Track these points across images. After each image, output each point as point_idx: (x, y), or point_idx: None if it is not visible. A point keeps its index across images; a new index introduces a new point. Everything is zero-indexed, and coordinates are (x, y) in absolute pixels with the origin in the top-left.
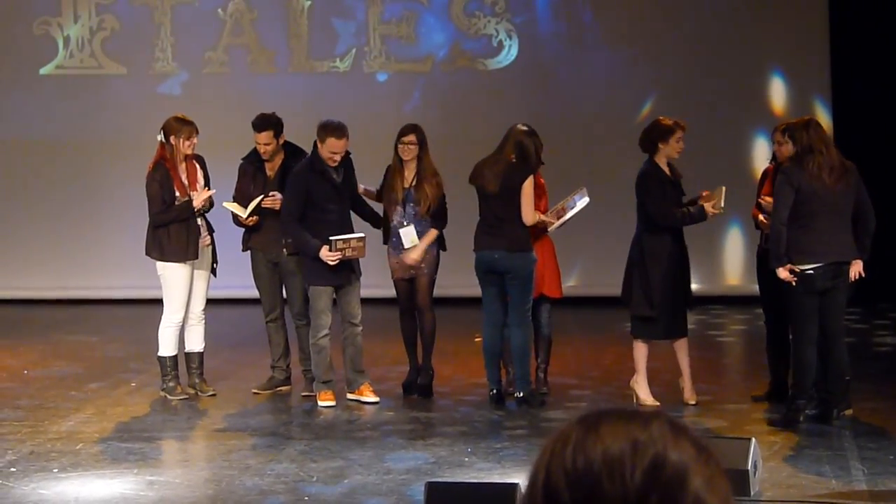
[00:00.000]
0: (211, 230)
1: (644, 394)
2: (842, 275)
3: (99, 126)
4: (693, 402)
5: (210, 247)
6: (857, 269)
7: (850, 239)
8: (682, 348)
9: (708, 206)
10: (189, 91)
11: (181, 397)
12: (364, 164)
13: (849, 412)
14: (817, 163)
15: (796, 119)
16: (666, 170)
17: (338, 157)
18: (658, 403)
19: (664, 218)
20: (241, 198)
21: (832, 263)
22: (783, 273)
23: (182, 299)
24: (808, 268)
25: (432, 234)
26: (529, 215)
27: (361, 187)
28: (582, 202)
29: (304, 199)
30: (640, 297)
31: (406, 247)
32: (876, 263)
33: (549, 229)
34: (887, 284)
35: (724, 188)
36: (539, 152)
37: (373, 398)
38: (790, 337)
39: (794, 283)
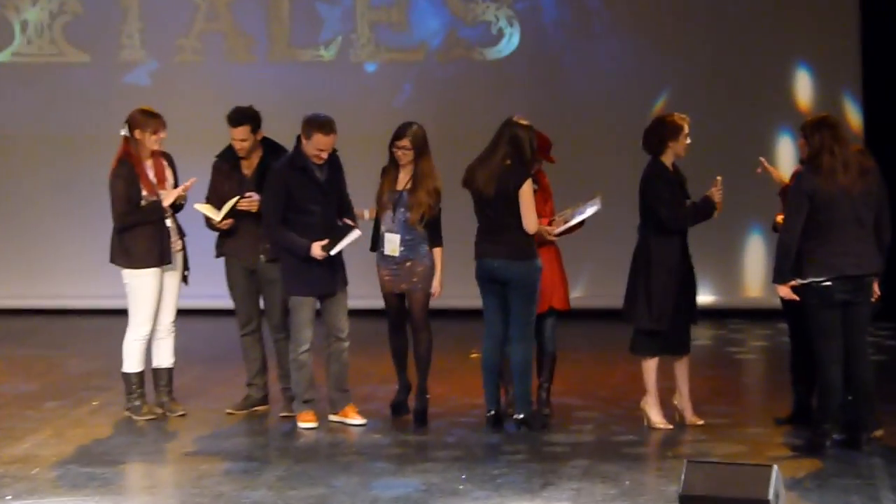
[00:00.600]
0: (182, 234)
1: (655, 416)
2: (863, 288)
3: (60, 119)
4: (700, 423)
5: (181, 252)
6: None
7: (872, 249)
8: (683, 366)
9: (712, 192)
10: (159, 81)
11: (148, 417)
12: (351, 162)
13: (879, 433)
14: (830, 165)
15: (811, 117)
16: (671, 170)
17: (324, 155)
18: (671, 426)
19: (677, 221)
20: (215, 199)
21: (850, 276)
22: (783, 290)
23: (150, 310)
24: (824, 280)
25: (440, 255)
26: (531, 222)
27: (362, 212)
28: (592, 209)
29: (284, 198)
30: (644, 309)
31: (385, 252)
32: None
33: (552, 234)
34: None
35: (719, 178)
36: (543, 148)
37: (358, 420)
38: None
39: (796, 300)
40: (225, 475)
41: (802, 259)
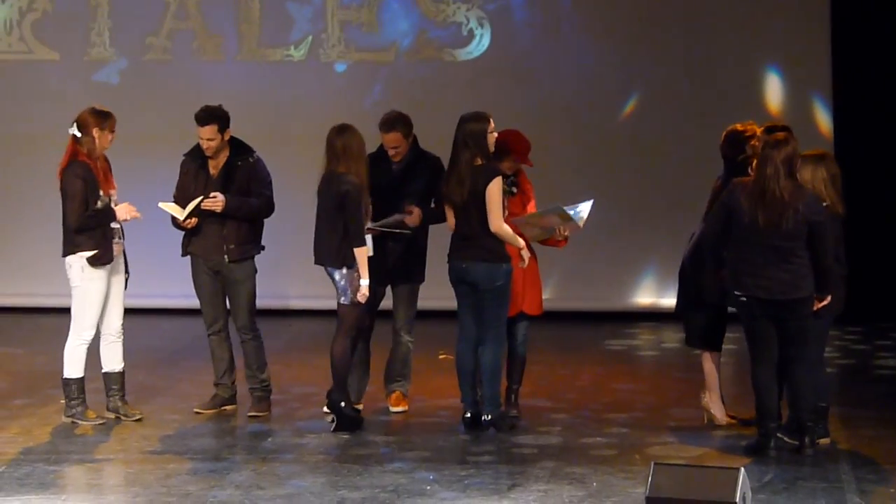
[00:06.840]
0: (121, 236)
1: (719, 412)
2: (787, 310)
3: (28, 117)
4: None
5: (121, 255)
6: (819, 303)
7: (789, 276)
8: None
9: None
10: (128, 79)
11: (97, 422)
12: (318, 163)
13: (825, 441)
14: (759, 190)
15: (775, 137)
16: None
17: (393, 152)
18: (735, 420)
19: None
20: (182, 197)
21: (761, 299)
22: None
23: (97, 314)
24: (741, 295)
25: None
26: (495, 222)
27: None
28: (584, 207)
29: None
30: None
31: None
32: (880, 279)
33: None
34: (891, 302)
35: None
36: (522, 151)
37: (399, 408)
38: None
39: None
40: (192, 474)
41: (729, 267)
